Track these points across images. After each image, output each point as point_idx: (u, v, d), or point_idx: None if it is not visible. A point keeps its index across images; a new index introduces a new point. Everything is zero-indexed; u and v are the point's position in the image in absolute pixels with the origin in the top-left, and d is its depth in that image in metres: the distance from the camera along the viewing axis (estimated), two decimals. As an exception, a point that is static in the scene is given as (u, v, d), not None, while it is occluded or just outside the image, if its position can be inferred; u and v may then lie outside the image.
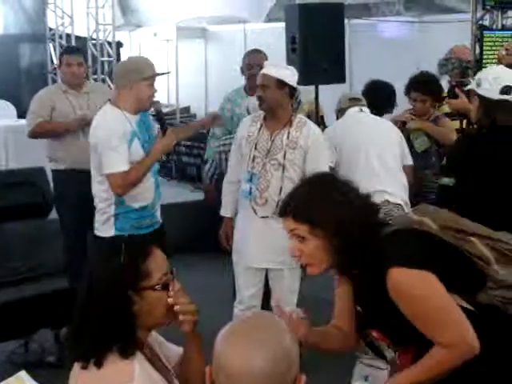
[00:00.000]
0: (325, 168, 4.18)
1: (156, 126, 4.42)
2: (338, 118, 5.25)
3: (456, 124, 5.40)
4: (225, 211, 4.52)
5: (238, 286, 4.44)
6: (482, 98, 3.70)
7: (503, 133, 3.65)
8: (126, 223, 4.17)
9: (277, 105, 4.21)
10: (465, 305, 2.31)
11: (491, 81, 3.67)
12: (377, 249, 2.30)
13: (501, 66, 4.11)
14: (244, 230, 4.33)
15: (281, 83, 4.17)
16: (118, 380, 2.00)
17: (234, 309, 4.43)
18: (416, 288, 2.23)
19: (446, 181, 3.77)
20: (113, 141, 4.04)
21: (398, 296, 2.25)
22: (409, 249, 2.31)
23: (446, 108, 6.03)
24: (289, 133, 4.21)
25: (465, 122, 5.04)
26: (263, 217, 4.21)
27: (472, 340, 2.25)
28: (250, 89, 5.27)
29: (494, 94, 3.63)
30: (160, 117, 4.31)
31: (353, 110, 5.12)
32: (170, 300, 2.11)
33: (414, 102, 5.41)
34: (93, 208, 4.68)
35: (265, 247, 4.23)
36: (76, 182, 5.48)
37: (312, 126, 4.34)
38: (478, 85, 3.72)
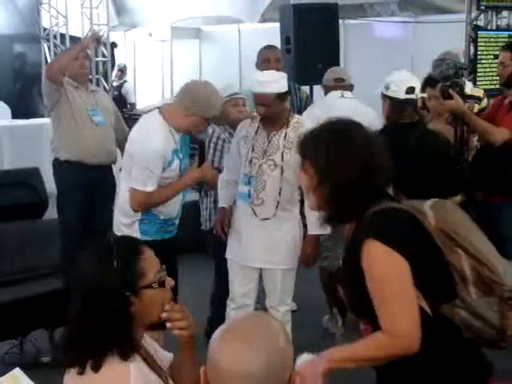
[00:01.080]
0: None
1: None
2: (325, 94, 5.40)
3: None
4: (221, 202, 4.53)
5: (231, 284, 4.45)
6: (390, 99, 4.35)
7: (407, 127, 4.25)
8: (151, 227, 4.17)
9: (278, 115, 4.23)
10: (424, 306, 2.29)
11: (398, 83, 4.30)
12: (368, 217, 2.29)
13: (404, 71, 4.60)
14: (241, 230, 4.34)
15: (280, 96, 4.16)
16: (113, 383, 2.00)
17: (227, 307, 4.44)
18: (383, 266, 2.24)
19: None
20: (150, 160, 3.96)
21: (366, 267, 2.26)
22: (394, 229, 2.29)
23: None
24: (286, 133, 4.22)
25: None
26: (264, 219, 4.23)
27: (415, 338, 2.23)
28: None
29: (401, 94, 4.27)
30: (201, 148, 4.28)
31: (333, 95, 5.20)
32: (163, 315, 2.11)
33: (428, 101, 5.33)
34: (97, 207, 4.69)
35: (260, 248, 4.25)
36: (81, 177, 5.47)
37: (309, 127, 4.32)
38: (387, 88, 4.34)
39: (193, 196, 7.67)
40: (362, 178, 2.29)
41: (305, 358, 2.32)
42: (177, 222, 4.36)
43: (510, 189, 4.92)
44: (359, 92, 6.70)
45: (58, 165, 5.65)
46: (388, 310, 2.25)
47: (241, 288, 4.38)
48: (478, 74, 7.38)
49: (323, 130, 2.42)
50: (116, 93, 11.78)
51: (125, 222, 4.19)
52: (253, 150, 4.25)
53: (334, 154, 2.30)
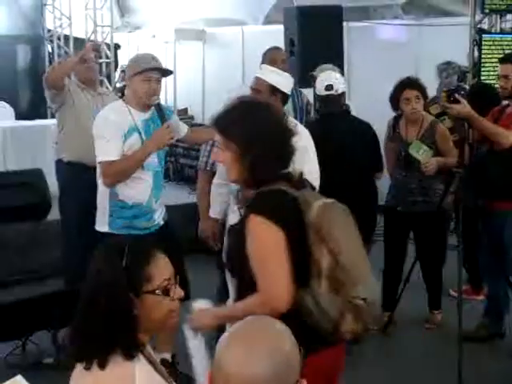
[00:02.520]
0: (317, 167, 4.25)
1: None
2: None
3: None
4: (213, 212, 4.52)
5: (229, 286, 4.45)
6: (316, 96, 5.25)
7: (330, 118, 5.10)
8: (119, 221, 4.22)
9: None
10: None
11: (320, 82, 5.12)
12: (259, 193, 2.59)
13: (329, 72, 5.30)
14: None
15: (273, 89, 4.15)
16: (119, 382, 2.00)
17: None
18: (263, 236, 2.52)
19: None
20: (105, 130, 4.15)
21: (249, 237, 2.54)
22: (276, 208, 2.55)
23: (444, 124, 6.04)
24: None
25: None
26: None
27: (285, 300, 2.52)
28: None
29: (322, 91, 5.08)
30: (159, 110, 4.29)
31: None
32: None
33: (407, 102, 5.25)
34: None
35: None
36: (84, 178, 5.46)
37: (302, 128, 4.35)
38: (315, 87, 5.24)
39: (191, 198, 7.70)
40: (276, 148, 2.61)
41: (200, 303, 2.75)
42: (154, 216, 4.37)
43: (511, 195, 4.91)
44: (363, 94, 6.69)
45: (61, 165, 5.65)
46: (264, 273, 2.55)
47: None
48: (482, 78, 7.37)
49: (238, 106, 2.69)
50: (119, 94, 11.78)
51: (98, 213, 4.28)
52: None
53: (252, 125, 2.60)
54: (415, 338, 5.44)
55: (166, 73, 4.40)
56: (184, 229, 6.80)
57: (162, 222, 4.46)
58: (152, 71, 4.19)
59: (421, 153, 5.16)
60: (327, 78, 5.15)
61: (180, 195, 8.15)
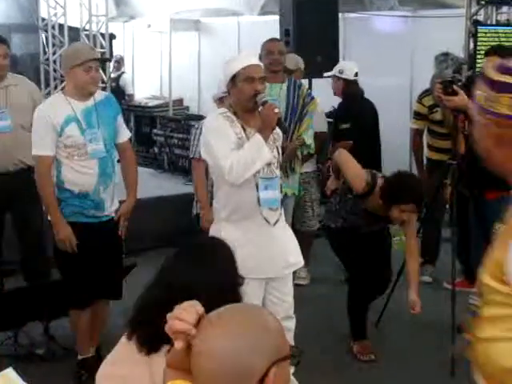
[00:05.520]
0: None
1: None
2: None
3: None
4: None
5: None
6: (344, 80, 6.34)
7: (361, 98, 6.48)
8: (68, 209, 4.29)
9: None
10: None
11: (348, 69, 6.34)
12: None
13: (352, 62, 6.77)
14: (256, 241, 3.81)
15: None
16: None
17: None
18: None
19: (344, 126, 6.25)
20: (38, 124, 4.27)
21: None
22: None
23: (437, 116, 6.02)
24: None
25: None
26: (276, 222, 3.87)
27: None
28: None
29: (351, 76, 6.31)
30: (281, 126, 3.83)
31: None
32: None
33: (401, 213, 4.67)
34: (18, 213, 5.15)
35: (283, 254, 3.94)
36: None
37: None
38: (341, 72, 6.37)
39: (186, 189, 7.69)
40: None
41: None
42: (104, 206, 4.37)
43: (503, 184, 4.90)
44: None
45: None
46: None
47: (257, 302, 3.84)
48: (478, 69, 7.36)
49: None
50: (114, 84, 11.74)
51: None
52: None
53: None
54: (409, 330, 5.43)
55: (105, 61, 4.51)
56: (179, 219, 6.79)
57: (113, 215, 4.49)
58: (92, 61, 4.27)
59: (396, 240, 5.42)
60: (354, 66, 6.45)
61: (174, 186, 8.12)
